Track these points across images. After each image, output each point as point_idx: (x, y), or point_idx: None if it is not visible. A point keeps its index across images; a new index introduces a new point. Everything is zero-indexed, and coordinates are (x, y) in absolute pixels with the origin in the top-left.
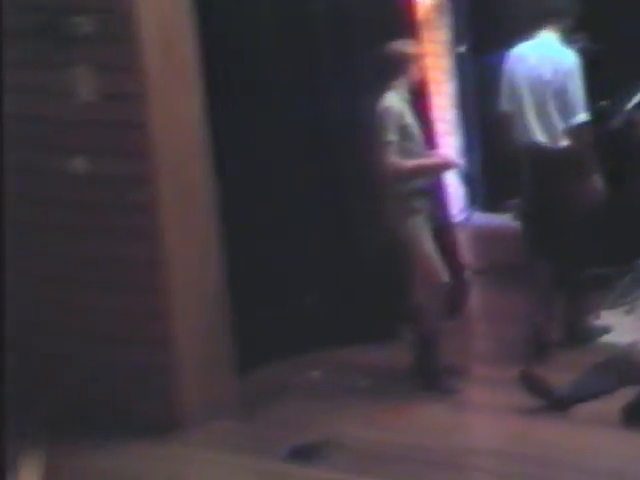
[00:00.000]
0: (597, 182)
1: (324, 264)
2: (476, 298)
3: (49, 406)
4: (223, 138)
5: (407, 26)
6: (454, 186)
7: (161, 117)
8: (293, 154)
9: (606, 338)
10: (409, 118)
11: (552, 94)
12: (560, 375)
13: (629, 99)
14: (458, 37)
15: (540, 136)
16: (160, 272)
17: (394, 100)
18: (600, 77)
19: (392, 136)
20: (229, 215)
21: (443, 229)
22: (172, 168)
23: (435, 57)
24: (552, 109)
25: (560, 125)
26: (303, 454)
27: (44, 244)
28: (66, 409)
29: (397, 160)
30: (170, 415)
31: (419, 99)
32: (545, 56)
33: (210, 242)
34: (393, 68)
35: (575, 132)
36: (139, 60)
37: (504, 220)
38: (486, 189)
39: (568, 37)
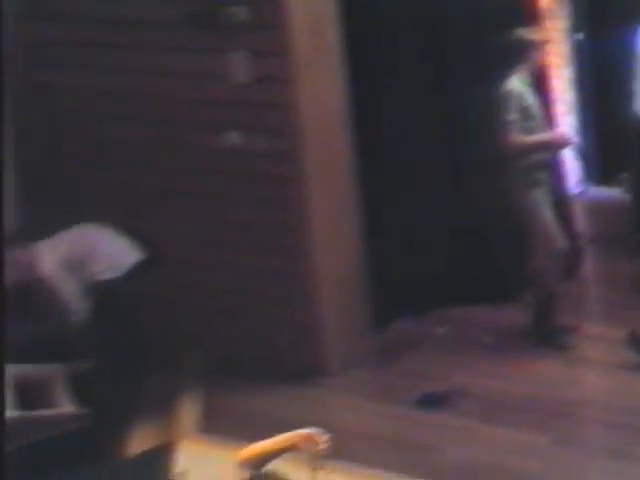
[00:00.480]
0: None
1: (453, 231)
2: (589, 264)
3: (209, 354)
4: (362, 117)
5: (530, 15)
6: (571, 162)
7: (307, 98)
8: (425, 132)
9: None
10: (530, 99)
11: None
12: None
13: None
14: (576, 25)
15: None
16: (304, 237)
17: (516, 83)
18: None
19: (513, 116)
20: (367, 187)
21: (561, 201)
22: (316, 144)
23: (555, 43)
24: None
25: None
26: (431, 402)
27: (202, 211)
28: (225, 357)
29: (518, 137)
30: (314, 364)
31: (540, 82)
32: None
33: (349, 211)
34: (517, 53)
35: None
36: (288, 46)
37: (615, 193)
38: (600, 164)
39: None
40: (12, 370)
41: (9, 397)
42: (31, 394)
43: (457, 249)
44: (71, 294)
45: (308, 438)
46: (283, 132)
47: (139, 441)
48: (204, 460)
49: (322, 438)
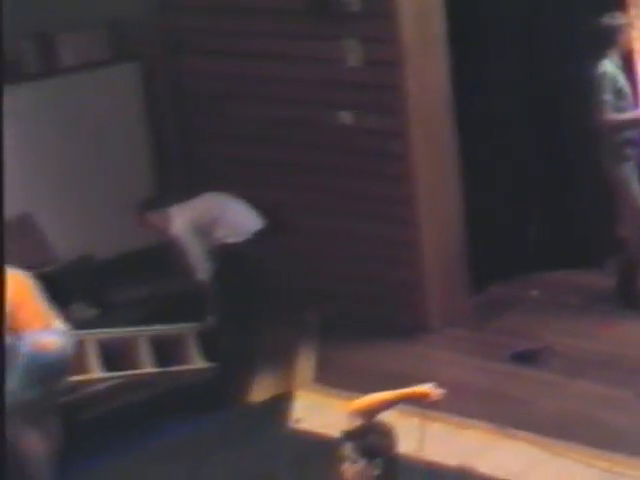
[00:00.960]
0: None
1: (546, 202)
2: None
3: (325, 311)
4: (463, 98)
5: (618, 3)
6: None
7: (414, 81)
8: (523, 111)
9: None
10: (622, 81)
11: None
12: None
13: None
14: None
15: None
16: (410, 207)
17: (609, 66)
18: None
19: (607, 96)
20: (468, 162)
21: None
22: (422, 123)
23: (639, 30)
24: None
25: None
26: (523, 358)
27: (319, 183)
28: (339, 315)
29: (612, 115)
30: (416, 322)
31: (627, 65)
32: None
33: (451, 183)
34: (607, 38)
35: None
36: (396, 33)
37: None
38: None
39: None
40: (149, 331)
41: (148, 354)
42: (166, 351)
43: (551, 218)
44: (198, 255)
45: (421, 394)
46: (392, 111)
47: (260, 391)
48: (318, 409)
49: (435, 393)
